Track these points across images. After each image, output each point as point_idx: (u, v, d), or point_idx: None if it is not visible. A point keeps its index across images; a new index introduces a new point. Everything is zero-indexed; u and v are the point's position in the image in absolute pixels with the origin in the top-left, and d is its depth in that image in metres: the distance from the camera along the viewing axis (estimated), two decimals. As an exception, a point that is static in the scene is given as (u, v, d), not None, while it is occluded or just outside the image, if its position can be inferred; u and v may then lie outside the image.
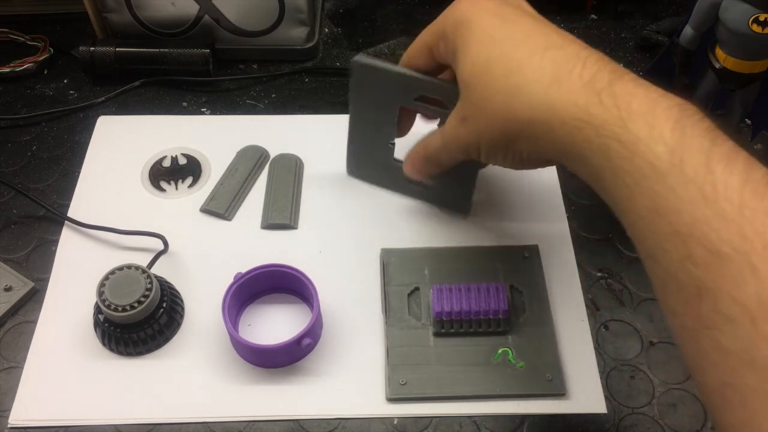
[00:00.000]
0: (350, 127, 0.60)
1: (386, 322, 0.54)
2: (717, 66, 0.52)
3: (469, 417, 0.50)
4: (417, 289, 0.56)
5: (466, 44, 0.46)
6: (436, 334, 0.53)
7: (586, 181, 0.42)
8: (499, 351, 0.52)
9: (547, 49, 0.43)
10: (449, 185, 0.59)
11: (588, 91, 0.40)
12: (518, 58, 0.43)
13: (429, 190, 0.60)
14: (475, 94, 0.46)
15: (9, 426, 0.50)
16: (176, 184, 0.63)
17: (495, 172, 0.63)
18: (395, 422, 0.50)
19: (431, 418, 0.50)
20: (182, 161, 0.64)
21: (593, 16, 0.78)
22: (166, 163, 0.64)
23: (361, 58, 0.55)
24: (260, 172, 0.64)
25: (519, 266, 0.57)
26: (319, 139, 0.66)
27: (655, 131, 0.37)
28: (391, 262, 0.57)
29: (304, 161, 0.64)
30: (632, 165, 0.38)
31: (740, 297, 0.33)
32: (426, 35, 0.51)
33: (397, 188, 0.61)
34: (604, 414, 0.50)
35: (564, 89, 0.41)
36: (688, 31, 0.52)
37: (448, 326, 0.53)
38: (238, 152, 0.64)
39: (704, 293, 0.34)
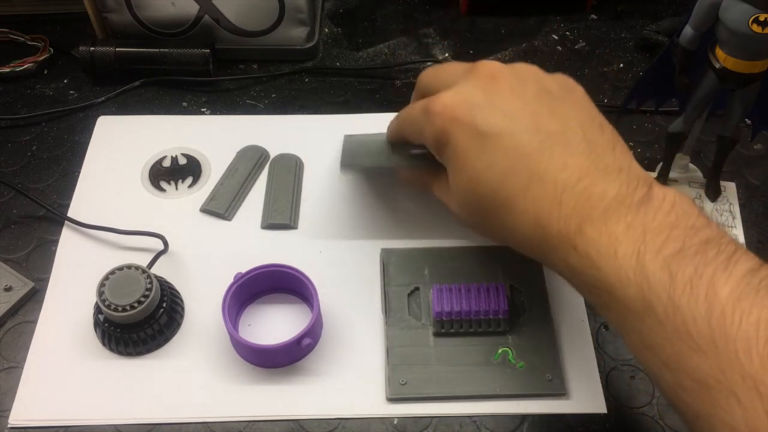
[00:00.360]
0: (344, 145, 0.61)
1: (386, 322, 0.54)
2: (717, 66, 0.52)
3: (469, 417, 0.50)
4: (417, 289, 0.56)
5: (454, 176, 0.47)
6: (436, 334, 0.53)
7: None
8: (499, 351, 0.52)
9: (529, 183, 0.43)
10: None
11: (565, 238, 0.41)
12: (504, 198, 0.44)
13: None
14: (471, 221, 0.49)
15: (9, 426, 0.50)
16: (176, 184, 0.63)
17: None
18: (395, 422, 0.50)
19: (431, 418, 0.50)
20: (182, 161, 0.64)
21: (593, 16, 0.78)
22: (166, 163, 0.64)
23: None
24: (260, 172, 0.64)
25: (519, 266, 0.57)
26: (319, 139, 0.66)
27: (622, 275, 0.39)
28: (391, 262, 0.57)
29: (304, 161, 0.64)
30: (613, 307, 0.40)
31: (732, 424, 0.34)
32: (404, 134, 0.53)
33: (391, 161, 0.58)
34: (604, 414, 0.50)
35: (547, 236, 0.42)
36: (688, 31, 0.52)
37: (448, 326, 0.53)
38: (238, 152, 0.64)
39: (700, 419, 0.36)
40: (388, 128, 0.56)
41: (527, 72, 0.47)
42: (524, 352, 0.52)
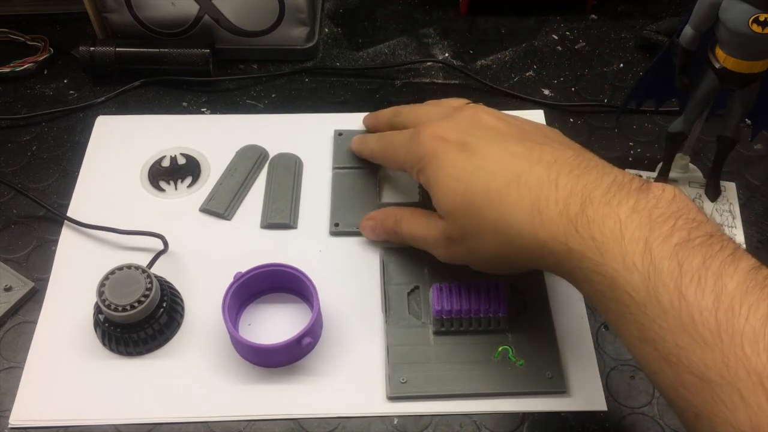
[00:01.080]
0: (333, 183, 0.62)
1: (386, 321, 0.54)
2: (717, 66, 0.52)
3: (469, 417, 0.50)
4: (417, 287, 0.56)
5: (440, 178, 0.48)
6: (437, 333, 0.53)
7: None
8: (499, 349, 0.52)
9: (520, 175, 0.44)
10: None
11: (565, 220, 0.41)
12: (496, 189, 0.44)
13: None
14: (461, 222, 0.47)
15: (9, 426, 0.50)
16: (175, 184, 0.63)
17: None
18: (395, 422, 0.50)
19: (432, 417, 0.50)
20: (181, 161, 0.64)
21: (593, 16, 0.78)
22: (165, 163, 0.64)
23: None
24: (259, 172, 0.64)
25: None
26: (318, 138, 0.66)
27: (628, 260, 0.38)
28: (391, 261, 0.57)
29: (303, 161, 0.64)
30: (615, 296, 0.39)
31: (735, 423, 0.33)
32: (392, 161, 0.56)
33: None
34: (603, 413, 0.50)
35: (545, 220, 0.42)
36: (688, 31, 0.52)
37: (448, 325, 0.53)
38: (237, 152, 0.64)
39: (701, 417, 0.35)
40: (354, 145, 0.62)
41: (505, 115, 0.52)
42: (524, 350, 0.52)
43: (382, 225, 0.57)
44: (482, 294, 0.53)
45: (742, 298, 0.35)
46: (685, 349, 0.35)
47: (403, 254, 0.57)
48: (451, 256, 0.51)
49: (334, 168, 0.63)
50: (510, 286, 0.55)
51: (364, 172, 0.62)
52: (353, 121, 0.67)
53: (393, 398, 0.51)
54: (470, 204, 0.46)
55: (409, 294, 0.55)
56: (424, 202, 0.59)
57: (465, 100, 0.56)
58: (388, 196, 0.61)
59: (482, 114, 0.51)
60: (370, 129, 0.64)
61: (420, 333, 0.53)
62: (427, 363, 0.52)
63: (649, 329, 0.37)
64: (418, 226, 0.53)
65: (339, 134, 0.65)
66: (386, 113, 0.61)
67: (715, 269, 0.36)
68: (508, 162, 0.45)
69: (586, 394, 0.51)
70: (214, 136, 0.66)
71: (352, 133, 0.65)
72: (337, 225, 0.59)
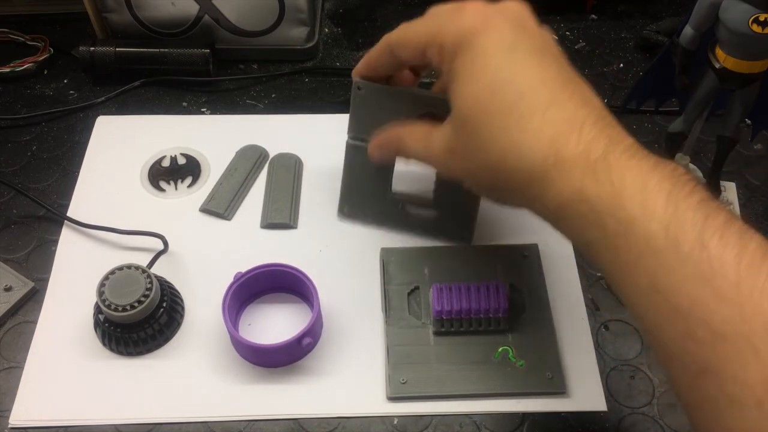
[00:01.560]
0: (346, 161, 0.58)
1: (386, 322, 0.54)
2: (717, 66, 0.52)
3: (469, 417, 0.50)
4: (417, 288, 0.56)
5: (468, 72, 0.43)
6: (437, 333, 0.53)
7: (578, 248, 0.41)
8: (500, 350, 0.52)
9: (549, 106, 0.41)
10: (449, 216, 0.58)
11: (583, 162, 0.39)
12: (519, 112, 0.41)
13: (428, 222, 0.59)
14: (469, 134, 0.44)
15: (10, 426, 0.50)
16: (175, 184, 0.63)
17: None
18: (395, 422, 0.50)
19: (432, 417, 0.50)
20: (181, 161, 0.64)
21: (593, 16, 0.78)
22: (166, 163, 0.64)
23: (361, 81, 0.55)
24: (259, 172, 0.64)
25: (518, 265, 0.57)
26: (318, 138, 0.66)
27: (649, 207, 0.37)
28: (391, 261, 0.57)
29: (303, 160, 0.64)
30: (628, 242, 0.37)
31: (745, 379, 0.32)
32: (416, 34, 0.47)
33: (394, 224, 0.59)
34: (603, 413, 0.50)
35: (561, 158, 0.40)
36: (688, 31, 0.52)
37: (448, 325, 0.53)
38: (237, 152, 0.64)
39: (708, 373, 0.34)
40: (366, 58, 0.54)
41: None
42: (524, 350, 0.52)
43: (387, 143, 0.52)
44: (482, 294, 0.53)
45: (763, 258, 0.34)
46: (700, 300, 0.34)
47: (403, 254, 0.57)
48: (448, 168, 0.47)
49: (351, 139, 0.57)
50: (510, 286, 0.55)
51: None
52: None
53: (393, 398, 0.51)
54: (486, 119, 0.42)
55: (409, 294, 0.55)
56: (438, 197, 0.58)
57: None
58: (400, 184, 0.59)
59: (530, 19, 0.45)
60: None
61: (420, 333, 0.53)
62: (427, 363, 0.52)
63: (663, 278, 0.35)
64: (419, 138, 0.49)
65: (358, 88, 0.55)
66: None
67: (737, 228, 0.35)
68: (541, 86, 0.42)
69: (586, 394, 0.51)
70: (214, 136, 0.66)
71: (373, 88, 0.54)
72: (344, 210, 0.59)
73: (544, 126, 0.40)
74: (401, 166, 0.56)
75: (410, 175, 0.58)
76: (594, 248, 0.39)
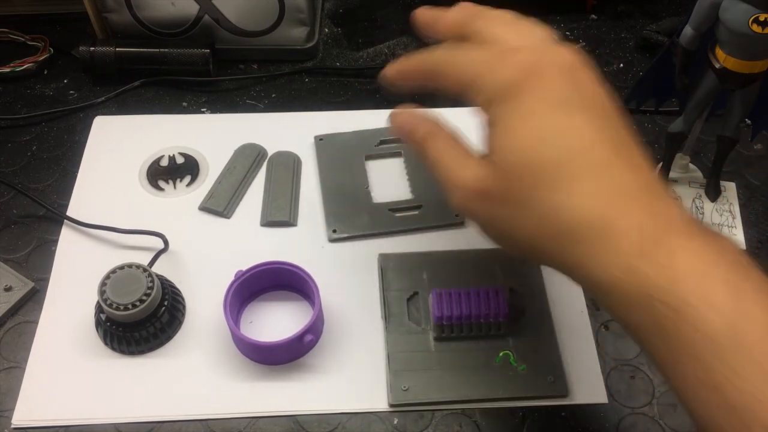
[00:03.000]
0: (322, 189, 0.61)
1: (386, 328, 0.54)
2: (717, 66, 0.52)
3: (470, 417, 0.50)
4: (416, 293, 0.55)
5: (515, 122, 0.39)
6: (437, 339, 0.53)
7: (623, 327, 0.38)
8: (501, 354, 0.52)
9: (601, 171, 0.37)
10: (436, 206, 0.60)
11: (636, 237, 0.35)
12: (568, 173, 0.37)
13: (419, 217, 0.60)
14: (510, 184, 0.39)
15: (12, 426, 0.50)
16: (174, 183, 0.63)
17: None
18: (395, 422, 0.50)
19: (432, 416, 0.50)
20: (180, 160, 0.64)
21: (593, 16, 0.78)
22: (164, 163, 0.64)
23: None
24: (258, 170, 0.64)
25: (517, 268, 0.56)
26: (316, 136, 0.66)
27: (708, 297, 0.34)
28: (390, 267, 0.57)
29: (302, 158, 0.64)
30: (680, 331, 0.34)
31: None
32: (462, 72, 0.41)
33: (387, 229, 0.59)
34: (603, 413, 0.50)
35: (610, 230, 0.36)
36: (688, 31, 0.52)
37: (449, 330, 0.53)
38: (235, 150, 0.64)
39: None
40: (405, 62, 0.46)
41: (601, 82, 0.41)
42: (525, 354, 0.52)
43: (411, 131, 0.45)
44: (482, 299, 0.52)
45: None
46: (764, 402, 0.32)
47: (401, 260, 0.57)
48: (471, 212, 0.42)
49: (321, 173, 0.63)
50: (510, 290, 0.55)
51: (351, 174, 0.62)
52: (349, 118, 0.67)
53: (395, 406, 0.50)
54: (532, 173, 0.38)
55: (408, 300, 0.55)
56: (418, 198, 0.61)
57: (554, 34, 0.42)
58: (379, 196, 0.61)
59: (584, 70, 0.40)
60: (427, 31, 0.47)
61: (421, 339, 0.53)
62: (428, 370, 0.52)
63: (723, 376, 0.33)
64: (450, 156, 0.43)
65: (320, 139, 0.65)
66: (456, 12, 0.45)
67: None
68: (593, 148, 0.38)
69: (588, 395, 0.51)
70: (212, 135, 0.66)
71: (332, 137, 0.65)
72: (335, 231, 0.59)
73: (595, 192, 0.37)
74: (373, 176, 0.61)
75: (387, 185, 0.61)
76: (642, 332, 0.36)
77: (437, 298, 0.53)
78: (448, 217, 0.60)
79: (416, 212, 0.60)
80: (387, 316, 0.54)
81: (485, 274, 0.56)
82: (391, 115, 0.47)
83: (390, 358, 0.52)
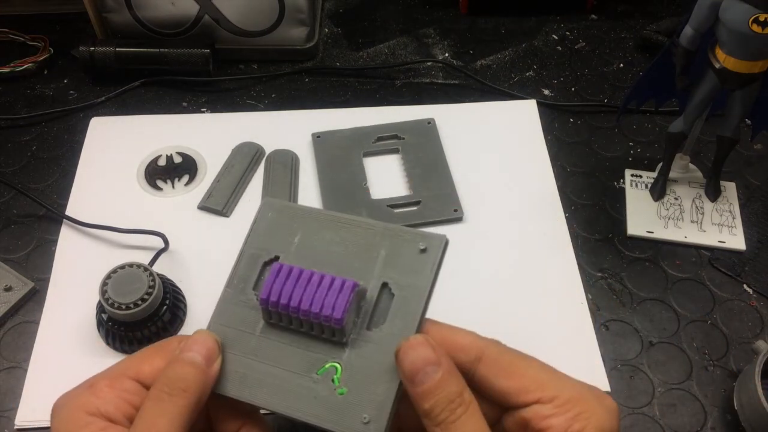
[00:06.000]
0: (321, 186, 0.62)
1: (226, 289, 0.41)
2: (717, 66, 0.52)
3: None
4: (276, 258, 0.41)
5: None
6: (268, 323, 0.40)
7: None
8: (327, 365, 0.38)
9: None
10: (434, 200, 0.60)
11: None
12: None
13: (417, 212, 0.60)
14: None
15: (15, 427, 0.50)
16: (173, 183, 0.63)
17: (490, 171, 0.63)
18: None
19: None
20: (177, 160, 0.64)
21: (593, 16, 0.78)
22: (162, 162, 0.64)
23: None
24: (256, 169, 0.64)
25: (409, 260, 0.39)
26: (313, 133, 0.66)
27: None
28: (267, 217, 0.42)
29: (299, 156, 0.64)
30: None
31: None
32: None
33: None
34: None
35: None
36: (688, 31, 0.52)
37: (277, 318, 0.39)
38: (233, 149, 0.64)
39: None
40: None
41: None
42: (355, 376, 0.37)
43: (436, 383, 0.35)
44: (323, 290, 0.38)
45: None
46: None
47: (283, 210, 0.42)
48: None
49: (319, 171, 0.63)
50: (381, 287, 0.39)
51: (349, 171, 0.63)
52: (345, 116, 0.67)
53: None
54: None
55: (266, 264, 0.41)
56: (416, 194, 0.61)
57: None
58: (377, 193, 0.62)
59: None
60: None
61: (249, 317, 0.40)
62: (244, 356, 0.39)
63: None
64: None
65: (318, 137, 0.65)
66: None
67: None
68: None
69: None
70: (209, 135, 0.66)
71: (330, 135, 0.65)
72: None
73: None
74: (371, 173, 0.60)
75: (385, 181, 0.62)
76: None
77: (273, 275, 0.39)
78: (446, 213, 0.60)
79: (415, 208, 0.60)
80: (232, 278, 0.41)
81: (363, 257, 0.40)
82: (402, 348, 0.36)
83: (211, 328, 0.40)
